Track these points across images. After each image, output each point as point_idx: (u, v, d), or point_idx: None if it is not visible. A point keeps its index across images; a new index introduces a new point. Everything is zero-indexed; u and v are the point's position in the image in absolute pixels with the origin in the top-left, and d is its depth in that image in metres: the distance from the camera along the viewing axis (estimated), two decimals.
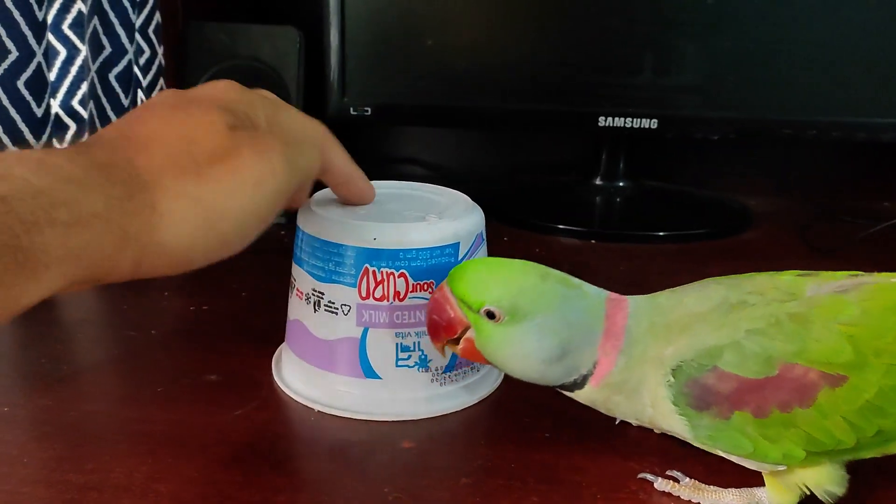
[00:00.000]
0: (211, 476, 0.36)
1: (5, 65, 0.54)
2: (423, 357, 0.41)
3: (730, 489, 0.35)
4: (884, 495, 0.35)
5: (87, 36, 0.63)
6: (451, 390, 0.42)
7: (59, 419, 0.40)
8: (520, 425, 0.41)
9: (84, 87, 0.64)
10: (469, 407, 0.42)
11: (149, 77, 0.71)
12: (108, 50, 0.66)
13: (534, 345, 0.33)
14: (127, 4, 0.66)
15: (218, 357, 0.47)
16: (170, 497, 0.34)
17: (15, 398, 0.42)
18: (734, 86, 0.72)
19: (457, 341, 0.36)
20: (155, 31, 0.71)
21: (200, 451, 0.38)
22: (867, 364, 0.30)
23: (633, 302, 0.35)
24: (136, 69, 0.70)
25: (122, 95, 0.68)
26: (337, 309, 0.40)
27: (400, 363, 0.41)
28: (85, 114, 0.66)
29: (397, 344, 0.40)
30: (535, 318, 0.33)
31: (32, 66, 0.56)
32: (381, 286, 0.39)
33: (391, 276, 0.39)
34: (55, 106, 0.65)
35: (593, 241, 0.72)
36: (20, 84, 0.55)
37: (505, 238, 0.71)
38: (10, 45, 0.54)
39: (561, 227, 0.74)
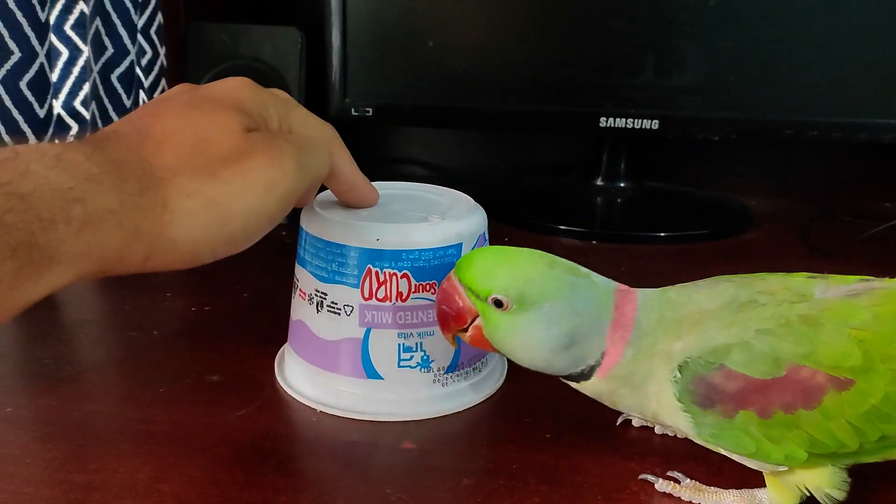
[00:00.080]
0: (213, 476, 0.36)
1: (8, 65, 0.54)
2: (425, 358, 0.41)
3: (730, 490, 0.35)
4: (885, 499, 0.35)
5: (90, 37, 0.63)
6: (452, 391, 0.42)
7: (61, 419, 0.40)
8: (521, 426, 0.41)
9: (86, 87, 0.64)
10: (471, 407, 0.42)
11: (151, 78, 0.71)
12: (110, 51, 0.66)
13: (541, 333, 0.33)
14: (129, 5, 0.66)
15: (220, 357, 0.47)
16: (173, 497, 0.34)
17: (18, 398, 0.42)
18: (735, 86, 0.72)
19: (466, 329, 0.36)
20: (157, 32, 0.71)
21: (203, 451, 0.38)
22: (875, 369, 0.30)
23: (643, 294, 0.34)
24: (138, 70, 0.70)
25: (124, 96, 0.68)
26: (340, 309, 0.40)
27: (402, 364, 0.41)
28: (87, 115, 0.66)
29: (399, 344, 0.40)
30: (542, 307, 0.33)
31: (35, 67, 0.56)
32: (383, 287, 0.39)
33: (394, 277, 0.39)
34: (57, 107, 0.65)
35: (594, 242, 0.72)
36: (23, 85, 0.55)
37: (506, 238, 0.71)
38: (12, 45, 0.54)
39: (562, 227, 0.74)
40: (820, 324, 0.31)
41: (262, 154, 0.32)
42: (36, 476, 0.36)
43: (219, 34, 0.74)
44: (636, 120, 0.74)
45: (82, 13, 0.63)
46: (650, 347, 0.33)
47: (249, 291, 0.58)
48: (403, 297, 0.40)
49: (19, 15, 0.54)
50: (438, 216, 0.42)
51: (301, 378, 0.43)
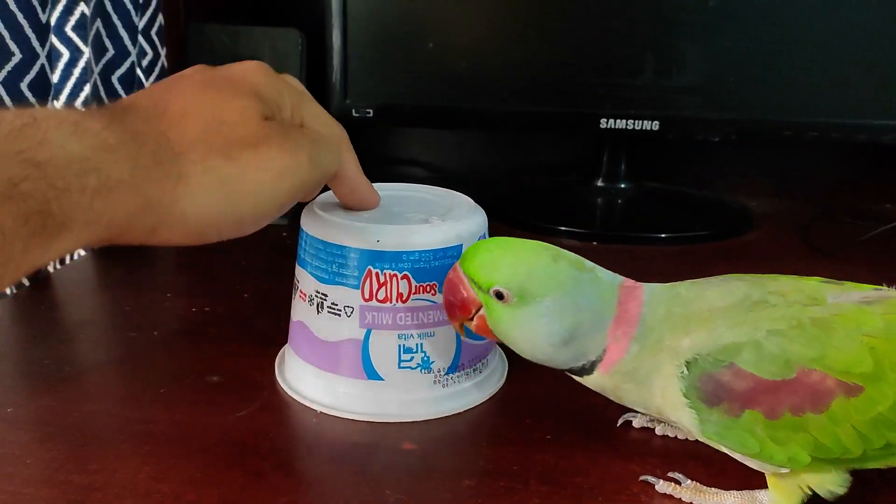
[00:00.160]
0: (213, 477, 0.36)
1: (8, 67, 0.54)
2: (425, 359, 0.41)
3: (731, 491, 0.35)
4: (887, 501, 0.35)
5: (90, 38, 0.63)
6: (453, 392, 0.42)
7: (61, 420, 0.40)
8: (522, 427, 0.41)
9: (87, 89, 0.64)
10: (471, 408, 0.42)
11: (151, 79, 0.71)
12: (110, 52, 0.66)
13: (542, 328, 0.33)
14: (130, 6, 0.66)
15: (220, 358, 0.47)
16: (173, 497, 0.34)
17: (18, 399, 0.42)
18: (735, 86, 0.72)
19: (472, 318, 0.36)
20: (157, 33, 0.71)
21: (203, 451, 0.38)
22: (884, 377, 0.30)
23: (650, 290, 0.34)
24: (138, 71, 0.70)
25: (124, 97, 0.68)
26: (340, 311, 0.40)
27: (402, 365, 0.41)
28: None
29: (400, 346, 0.40)
30: (543, 301, 0.33)
31: (35, 69, 0.56)
32: (384, 288, 0.40)
33: (394, 278, 0.39)
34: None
35: (595, 243, 0.72)
36: (23, 86, 0.55)
37: None
38: (13, 47, 0.54)
39: (562, 228, 0.74)
40: (832, 328, 0.31)
41: (277, 143, 0.32)
42: (36, 476, 0.36)
43: (219, 35, 0.74)
44: (637, 121, 0.74)
45: (83, 14, 0.63)
46: (656, 343, 0.33)
47: (250, 292, 0.58)
48: (404, 299, 0.40)
49: (20, 16, 0.54)
50: (439, 217, 0.42)
51: (301, 379, 0.43)
